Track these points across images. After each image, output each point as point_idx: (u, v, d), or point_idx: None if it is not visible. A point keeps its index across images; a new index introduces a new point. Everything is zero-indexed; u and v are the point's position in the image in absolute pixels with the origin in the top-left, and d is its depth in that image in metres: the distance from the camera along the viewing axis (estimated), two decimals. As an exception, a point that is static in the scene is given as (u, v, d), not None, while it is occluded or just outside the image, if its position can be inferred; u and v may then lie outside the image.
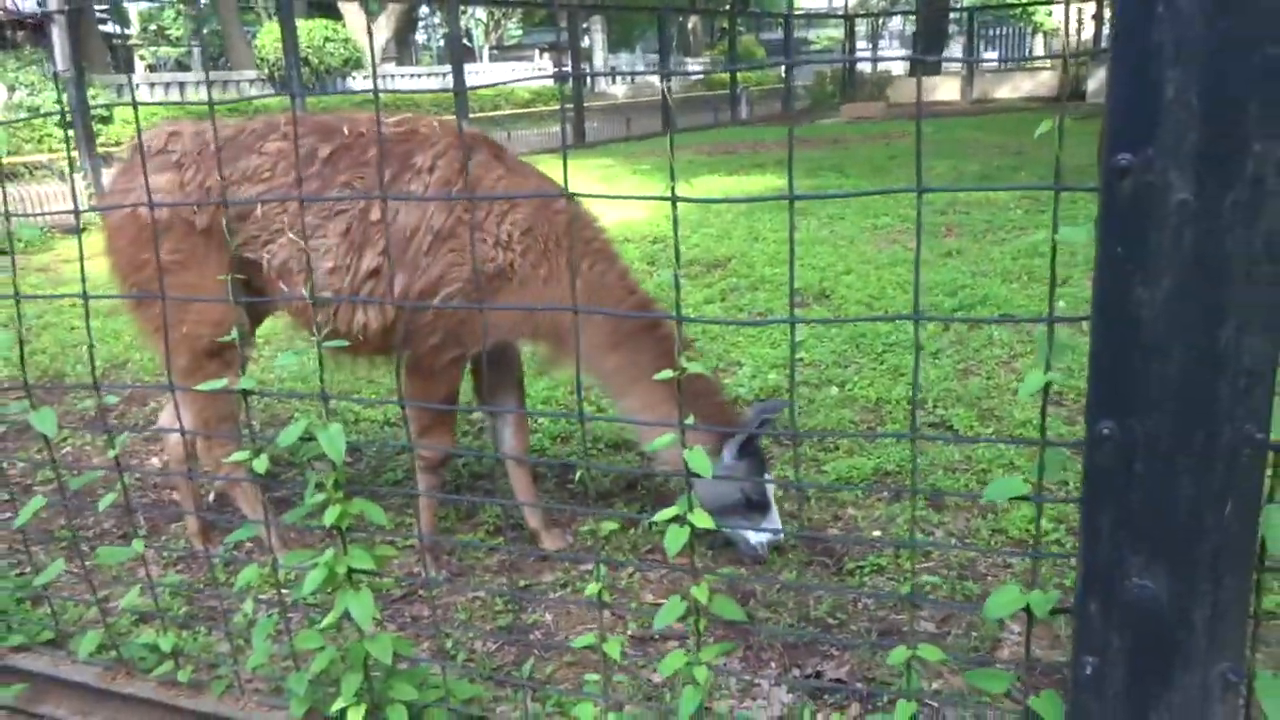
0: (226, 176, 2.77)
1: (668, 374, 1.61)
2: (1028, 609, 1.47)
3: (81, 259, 2.14)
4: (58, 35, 11.42)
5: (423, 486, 2.98)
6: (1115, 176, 1.24)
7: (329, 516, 1.86)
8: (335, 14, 23.33)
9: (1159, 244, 1.23)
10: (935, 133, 15.18)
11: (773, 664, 2.44)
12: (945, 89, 25.72)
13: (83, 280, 2.15)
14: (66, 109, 11.08)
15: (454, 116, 2.89)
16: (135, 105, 1.92)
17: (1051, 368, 1.41)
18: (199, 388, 2.17)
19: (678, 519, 1.61)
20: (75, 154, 11.45)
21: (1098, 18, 25.72)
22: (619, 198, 2.22)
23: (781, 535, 2.85)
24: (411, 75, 24.55)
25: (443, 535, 3.18)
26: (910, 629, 1.86)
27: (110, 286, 3.18)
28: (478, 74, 28.82)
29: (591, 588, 1.72)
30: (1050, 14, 31.78)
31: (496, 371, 3.17)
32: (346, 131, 2.81)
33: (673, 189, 1.46)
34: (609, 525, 1.89)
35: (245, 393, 1.95)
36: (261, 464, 1.95)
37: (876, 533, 3.05)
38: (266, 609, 2.53)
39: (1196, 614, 1.33)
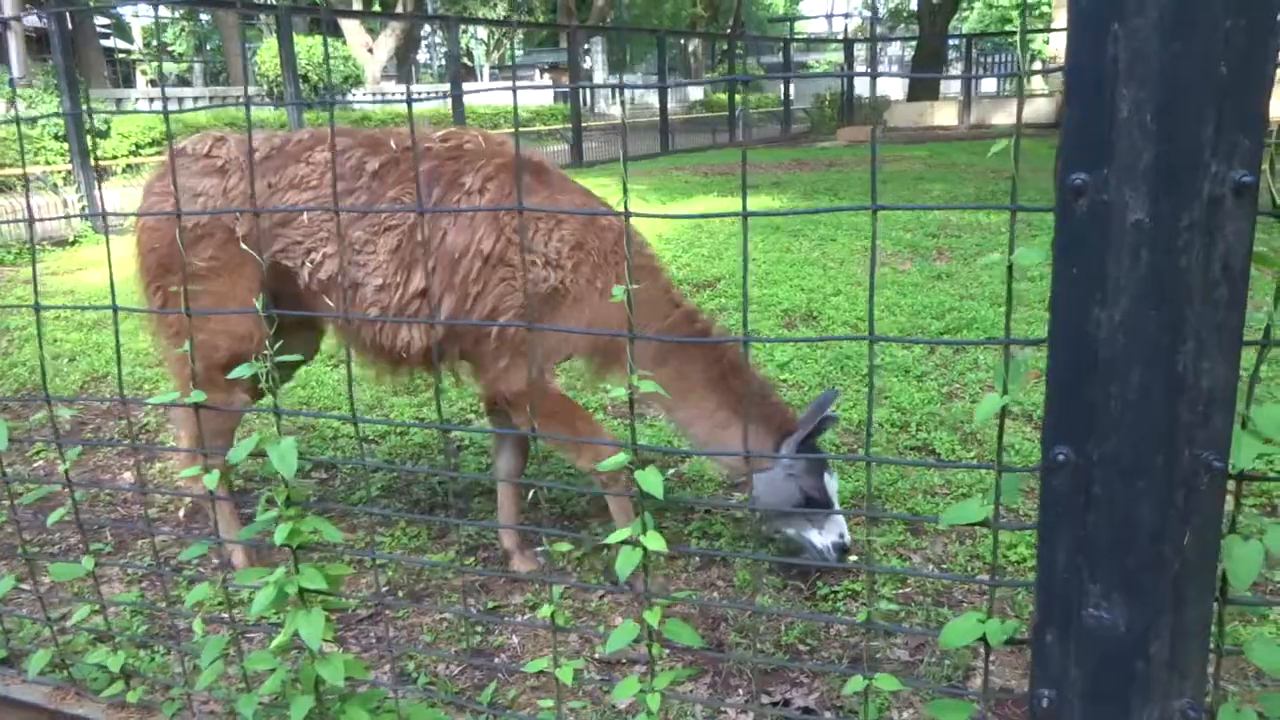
0: (273, 183, 2.74)
1: (619, 290, 1.56)
2: (985, 639, 1.43)
3: (109, 268, 2.10)
4: (14, 42, 11.39)
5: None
6: (1070, 196, 1.22)
7: (280, 534, 1.82)
8: (336, 31, 23.44)
9: (1115, 265, 1.20)
10: (931, 156, 15.21)
11: (740, 690, 2.38)
12: (942, 114, 25.82)
13: (112, 292, 2.11)
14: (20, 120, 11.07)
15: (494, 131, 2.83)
16: (166, 112, 1.88)
17: (1008, 390, 1.38)
18: (155, 400, 2.13)
19: (630, 541, 1.57)
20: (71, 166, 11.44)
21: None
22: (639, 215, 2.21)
23: (848, 539, 2.78)
24: (417, 95, 24.64)
25: (413, 554, 3.14)
26: (869, 657, 1.82)
27: (129, 296, 3.14)
28: (477, 94, 28.89)
29: (544, 610, 1.68)
30: (1048, 41, 31.96)
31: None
32: (394, 145, 2.76)
33: (747, 209, 1.42)
34: (561, 547, 1.84)
35: (197, 405, 1.91)
36: (212, 480, 1.90)
37: (853, 558, 3.00)
38: (224, 629, 2.48)
39: (1155, 645, 1.30)
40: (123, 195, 13.53)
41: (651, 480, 1.52)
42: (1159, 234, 1.18)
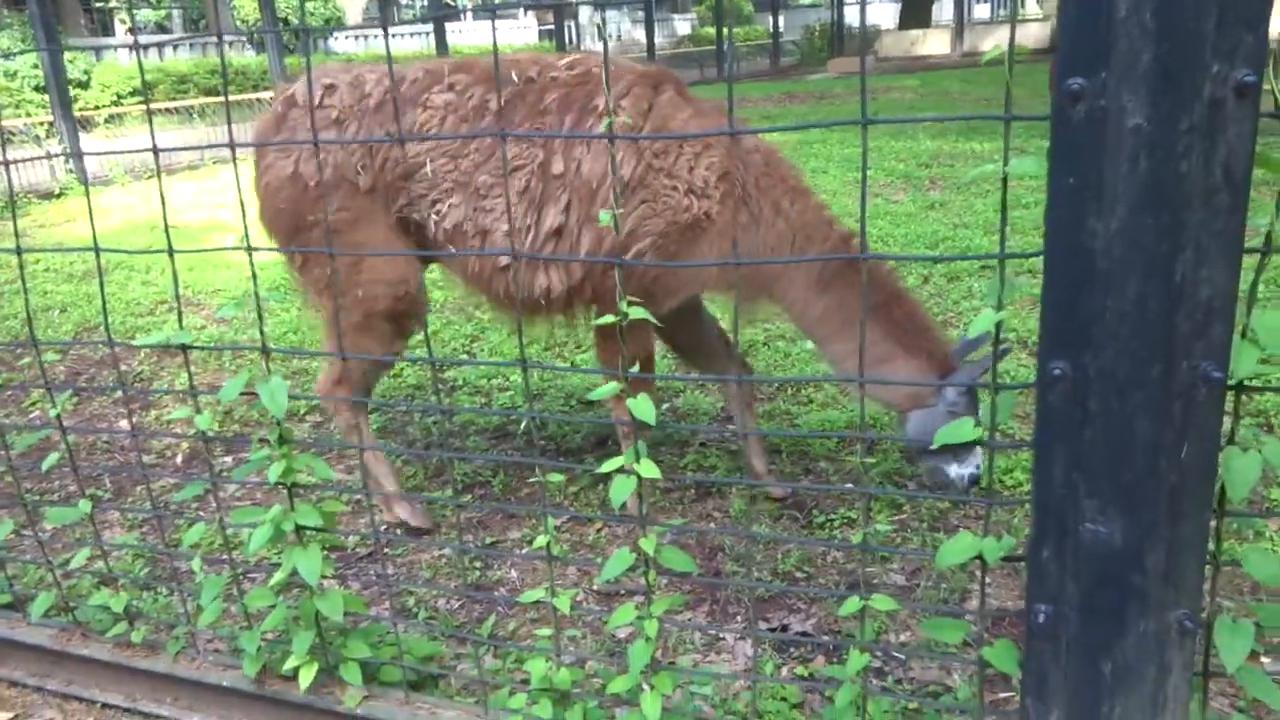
0: (392, 133, 2.58)
1: (605, 215, 1.53)
2: (981, 557, 1.43)
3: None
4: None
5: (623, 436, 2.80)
6: (1067, 102, 1.18)
7: (273, 473, 1.81)
8: (315, -29, 22.89)
9: (1113, 172, 1.18)
10: (922, 85, 15.02)
11: (739, 618, 2.40)
12: (934, 42, 25.41)
13: (94, 236, 2.07)
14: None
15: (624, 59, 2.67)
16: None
17: (1003, 306, 1.36)
18: (141, 342, 2.09)
19: (623, 469, 1.56)
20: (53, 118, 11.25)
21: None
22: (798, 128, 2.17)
23: (979, 470, 2.65)
24: (395, 34, 24.18)
25: (410, 493, 3.14)
26: (865, 582, 1.82)
27: (114, 242, 3.09)
28: (460, 33, 28.36)
29: (540, 540, 1.68)
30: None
31: (694, 326, 3.04)
32: (516, 78, 2.60)
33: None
34: (555, 478, 1.83)
35: (185, 347, 1.89)
36: (205, 420, 1.89)
37: (849, 485, 3.02)
38: (225, 569, 2.49)
39: (1152, 558, 1.29)
40: (107, 147, 13.34)
41: (643, 408, 1.50)
42: (1158, 138, 1.15)
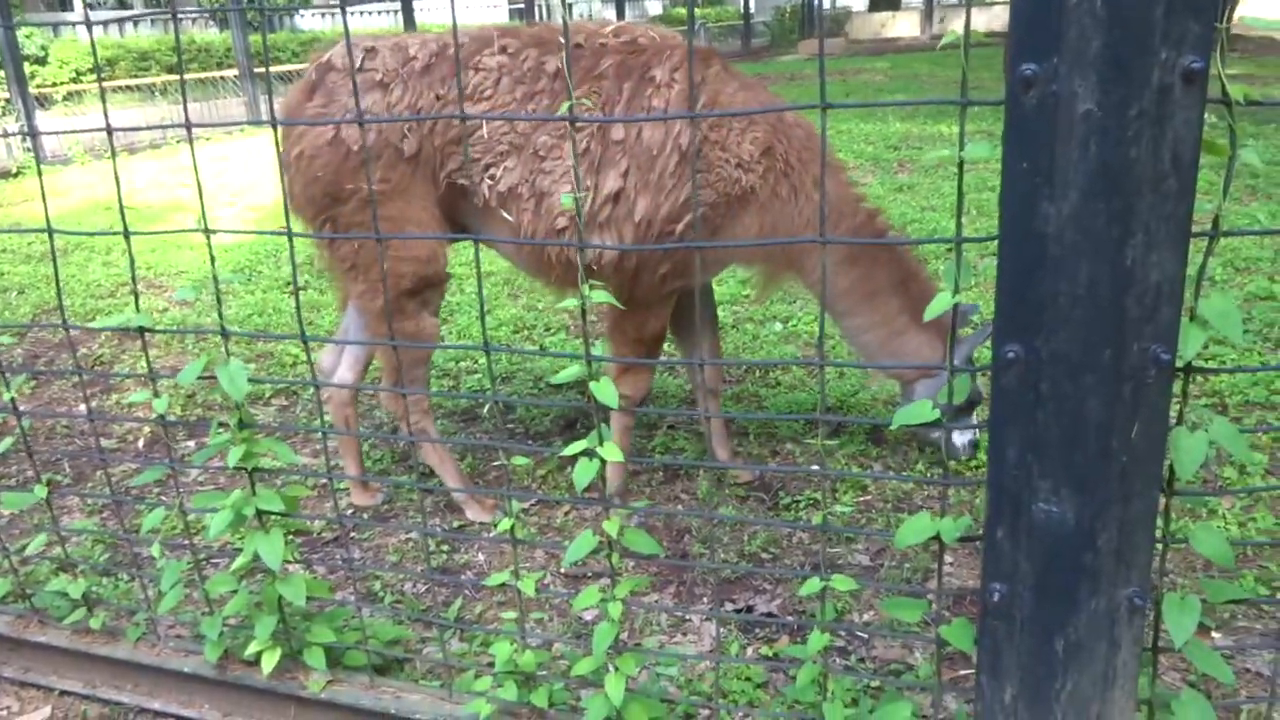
0: (443, 95, 2.52)
1: (566, 198, 1.52)
2: (939, 537, 1.45)
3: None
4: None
5: (617, 427, 2.80)
6: (1020, 88, 1.19)
7: (233, 457, 1.80)
8: (280, -52, 22.49)
9: (1064, 157, 1.19)
10: (892, 68, 15.05)
11: (705, 599, 2.42)
12: (904, 24, 25.46)
13: (47, 220, 2.03)
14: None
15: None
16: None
17: (959, 289, 1.37)
18: (100, 324, 2.07)
19: (587, 452, 1.56)
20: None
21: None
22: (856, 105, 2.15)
23: (977, 436, 2.75)
24: (361, 12, 23.83)
25: (376, 474, 3.13)
26: (829, 563, 1.84)
27: (71, 223, 3.03)
28: (426, 11, 28.03)
29: (504, 523, 1.68)
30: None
31: (705, 302, 3.06)
32: (562, 44, 2.55)
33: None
34: (520, 460, 1.83)
35: (142, 330, 1.87)
36: (162, 404, 1.87)
37: (815, 467, 3.04)
38: (186, 554, 2.47)
39: (1103, 537, 1.32)
40: (66, 124, 13.09)
41: (606, 391, 1.51)
42: (1108, 124, 1.16)
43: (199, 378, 1.80)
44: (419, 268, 2.64)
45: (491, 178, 2.56)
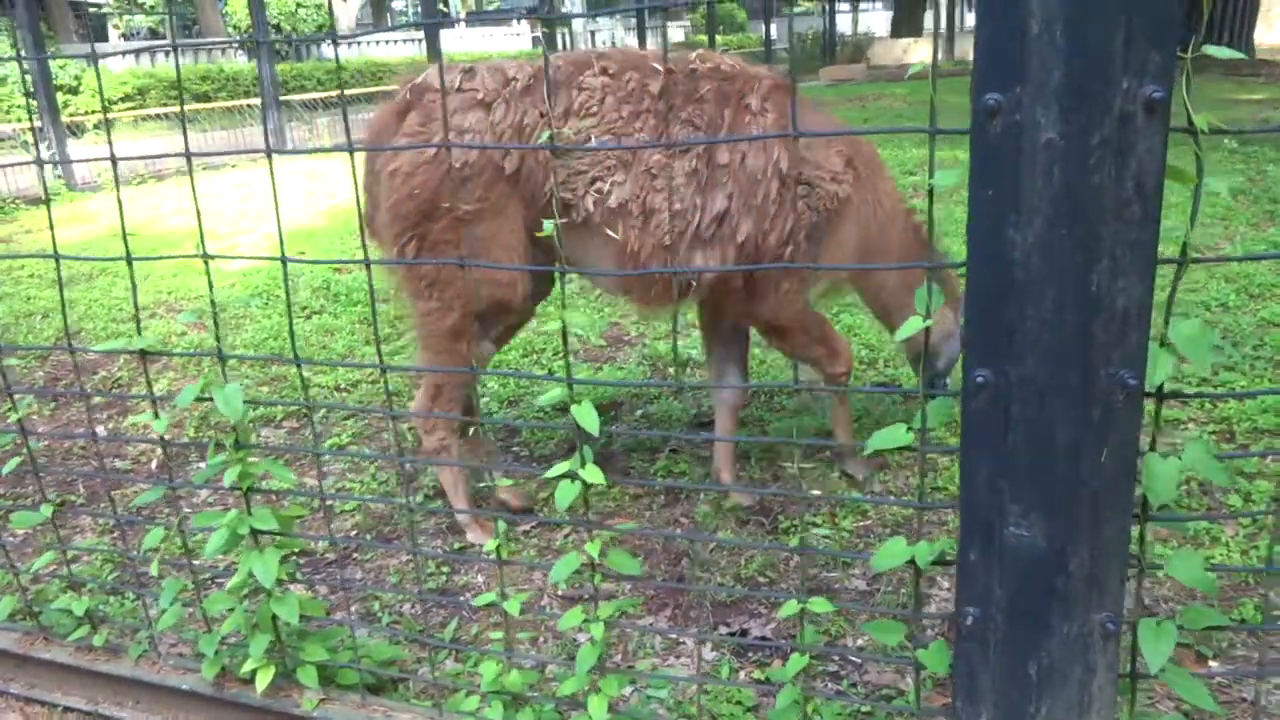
0: (547, 113, 2.56)
1: (549, 225, 1.56)
2: (914, 561, 1.46)
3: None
4: None
5: (840, 413, 3.12)
6: (985, 117, 1.22)
7: (229, 477, 1.83)
8: (308, -22, 22.96)
9: (1029, 185, 1.21)
10: (910, 94, 15.07)
11: (699, 623, 2.43)
12: (926, 50, 25.50)
13: (54, 244, 2.09)
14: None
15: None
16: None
17: (930, 314, 1.39)
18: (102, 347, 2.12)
19: (569, 475, 1.59)
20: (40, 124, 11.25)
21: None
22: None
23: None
24: (385, 41, 24.20)
25: (383, 498, 3.16)
26: (827, 587, 1.85)
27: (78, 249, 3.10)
28: (459, 39, 28.42)
29: (490, 544, 1.70)
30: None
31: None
32: (660, 67, 2.61)
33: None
34: (504, 482, 1.85)
35: (144, 353, 1.91)
36: (162, 425, 1.91)
37: (815, 491, 3.04)
38: (185, 572, 2.51)
39: (1074, 562, 1.32)
40: (96, 153, 13.35)
41: (587, 416, 1.53)
42: (1071, 153, 1.18)
43: (199, 399, 1.83)
44: (498, 291, 2.69)
45: (599, 192, 2.60)
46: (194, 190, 1.82)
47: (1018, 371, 1.27)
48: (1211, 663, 2.14)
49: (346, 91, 17.73)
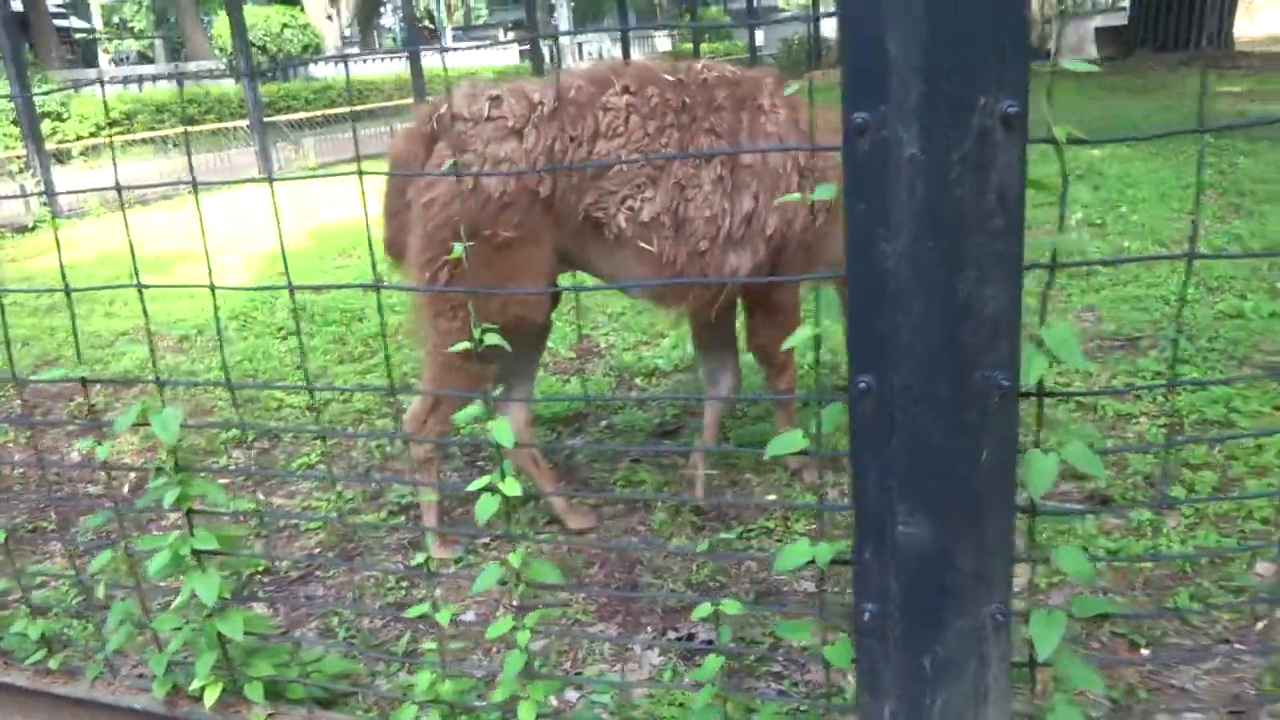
0: (575, 136, 2.62)
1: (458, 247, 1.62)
2: (815, 561, 1.51)
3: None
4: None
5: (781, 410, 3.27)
6: (854, 134, 1.27)
7: (168, 498, 1.89)
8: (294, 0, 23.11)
9: (895, 198, 1.26)
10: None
11: (649, 629, 2.48)
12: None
13: (62, 274, 2.15)
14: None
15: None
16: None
17: (820, 323, 1.45)
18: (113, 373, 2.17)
19: (489, 488, 1.64)
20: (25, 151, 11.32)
21: (1062, -25, 25.69)
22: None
23: None
24: (372, 59, 24.34)
25: (348, 515, 3.21)
26: (776, 590, 1.90)
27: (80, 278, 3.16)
28: (439, 56, 28.52)
29: (417, 559, 1.76)
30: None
31: (728, 320, 3.25)
32: (672, 78, 2.70)
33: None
34: (428, 496, 1.90)
35: (84, 380, 1.97)
36: (105, 451, 1.97)
37: (771, 496, 3.10)
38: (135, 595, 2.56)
39: (961, 557, 1.38)
40: (82, 179, 13.44)
41: (502, 431, 1.59)
42: (932, 167, 1.24)
43: (137, 424, 1.89)
44: (525, 310, 2.75)
45: (630, 209, 2.67)
46: (201, 219, 1.87)
47: (896, 377, 1.32)
48: (1144, 650, 2.19)
49: (333, 111, 17.87)
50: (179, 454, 1.90)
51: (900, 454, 1.35)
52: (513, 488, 1.62)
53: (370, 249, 1.82)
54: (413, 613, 1.85)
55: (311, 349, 4.93)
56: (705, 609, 1.60)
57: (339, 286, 2.65)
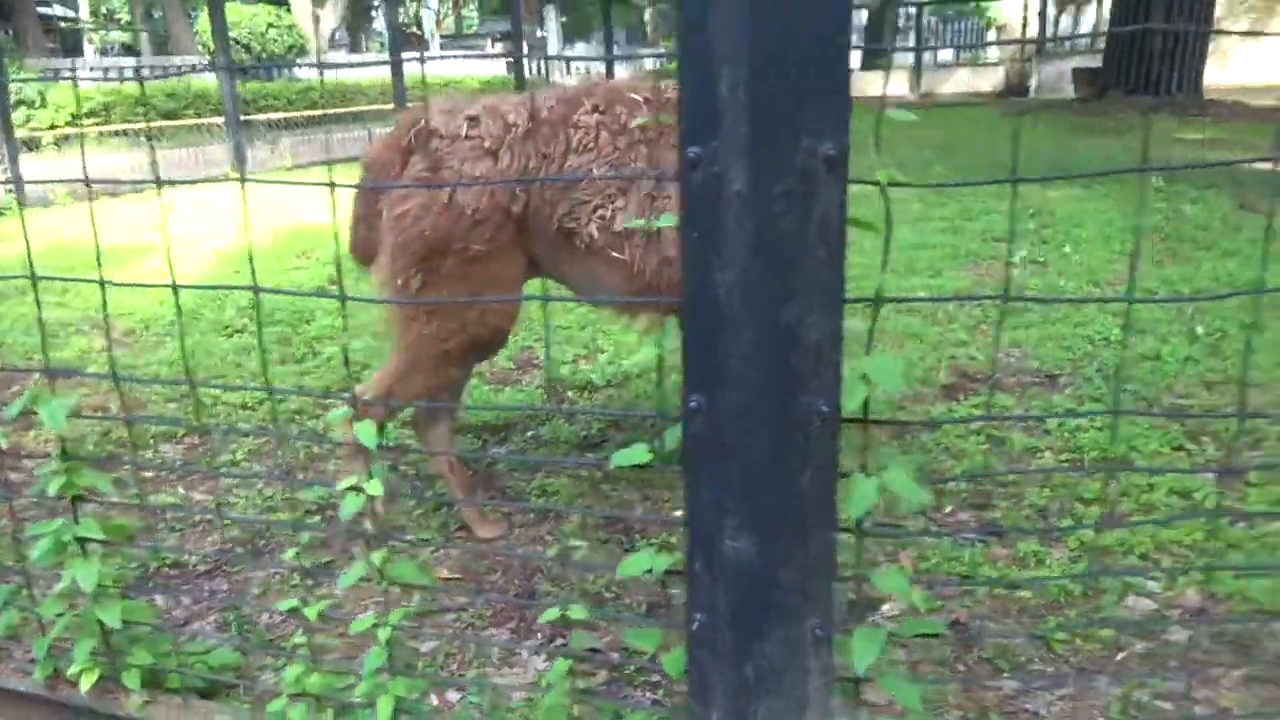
0: (548, 154, 2.71)
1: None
2: (653, 570, 1.58)
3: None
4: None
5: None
6: (689, 167, 1.35)
7: (52, 486, 1.93)
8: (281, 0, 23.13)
9: (727, 230, 1.34)
10: (867, 127, 15.34)
11: (539, 635, 2.54)
12: (893, 83, 25.96)
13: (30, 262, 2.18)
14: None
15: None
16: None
17: (661, 345, 1.52)
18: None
19: (354, 488, 1.70)
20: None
21: (1042, 14, 26.14)
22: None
23: None
24: (360, 63, 24.33)
25: (263, 514, 3.25)
26: (670, 601, 1.96)
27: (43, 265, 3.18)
28: (432, 61, 28.61)
29: (289, 553, 1.81)
30: (1000, 8, 32.13)
31: None
32: (636, 98, 2.78)
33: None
34: (310, 494, 1.95)
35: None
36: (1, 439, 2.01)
37: (678, 512, 3.16)
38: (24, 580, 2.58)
39: (784, 573, 1.45)
40: (52, 168, 13.39)
41: (366, 433, 1.65)
42: (758, 203, 1.32)
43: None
44: (501, 321, 2.87)
45: (601, 219, 2.75)
46: (164, 217, 1.92)
47: (726, 399, 1.40)
48: (1005, 676, 2.27)
49: (315, 112, 17.88)
50: (67, 444, 1.95)
51: (728, 472, 1.43)
52: (375, 488, 1.68)
53: (338, 260, 1.88)
54: (283, 606, 1.90)
55: (254, 348, 4.96)
56: (553, 612, 1.66)
57: (303, 294, 2.70)
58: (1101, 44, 19.33)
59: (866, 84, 25.81)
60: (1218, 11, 22.12)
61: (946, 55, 35.08)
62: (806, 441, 1.39)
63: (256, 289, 1.74)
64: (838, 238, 1.34)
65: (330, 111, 18.27)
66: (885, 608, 2.59)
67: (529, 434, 3.84)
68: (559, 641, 2.49)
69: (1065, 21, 29.20)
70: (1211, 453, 3.35)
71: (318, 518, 3.25)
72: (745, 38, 1.27)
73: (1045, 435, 3.52)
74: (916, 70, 26.05)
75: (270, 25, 20.53)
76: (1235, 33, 23.22)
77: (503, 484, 3.43)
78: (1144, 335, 4.46)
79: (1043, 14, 25.94)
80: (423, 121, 2.77)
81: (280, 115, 16.28)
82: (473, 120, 2.76)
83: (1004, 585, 2.63)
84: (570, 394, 4.25)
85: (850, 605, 2.63)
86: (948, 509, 3.09)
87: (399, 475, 3.53)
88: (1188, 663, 2.31)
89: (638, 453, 1.55)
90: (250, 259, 1.85)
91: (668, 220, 2.04)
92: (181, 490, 3.46)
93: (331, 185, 1.67)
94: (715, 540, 1.46)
